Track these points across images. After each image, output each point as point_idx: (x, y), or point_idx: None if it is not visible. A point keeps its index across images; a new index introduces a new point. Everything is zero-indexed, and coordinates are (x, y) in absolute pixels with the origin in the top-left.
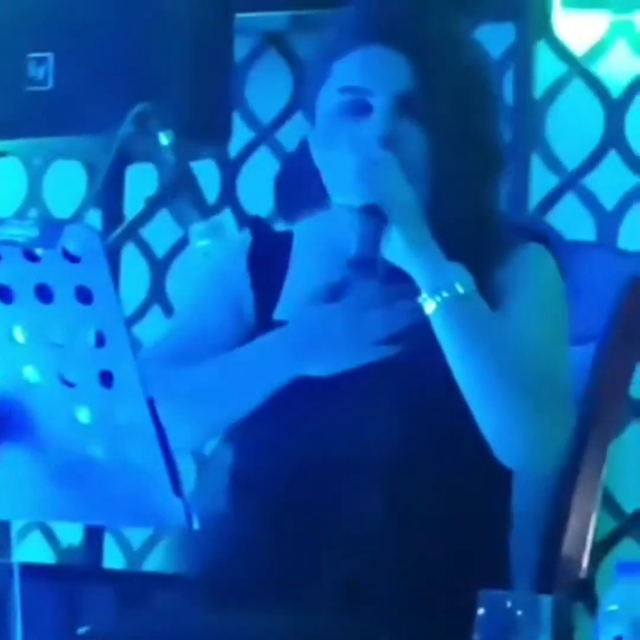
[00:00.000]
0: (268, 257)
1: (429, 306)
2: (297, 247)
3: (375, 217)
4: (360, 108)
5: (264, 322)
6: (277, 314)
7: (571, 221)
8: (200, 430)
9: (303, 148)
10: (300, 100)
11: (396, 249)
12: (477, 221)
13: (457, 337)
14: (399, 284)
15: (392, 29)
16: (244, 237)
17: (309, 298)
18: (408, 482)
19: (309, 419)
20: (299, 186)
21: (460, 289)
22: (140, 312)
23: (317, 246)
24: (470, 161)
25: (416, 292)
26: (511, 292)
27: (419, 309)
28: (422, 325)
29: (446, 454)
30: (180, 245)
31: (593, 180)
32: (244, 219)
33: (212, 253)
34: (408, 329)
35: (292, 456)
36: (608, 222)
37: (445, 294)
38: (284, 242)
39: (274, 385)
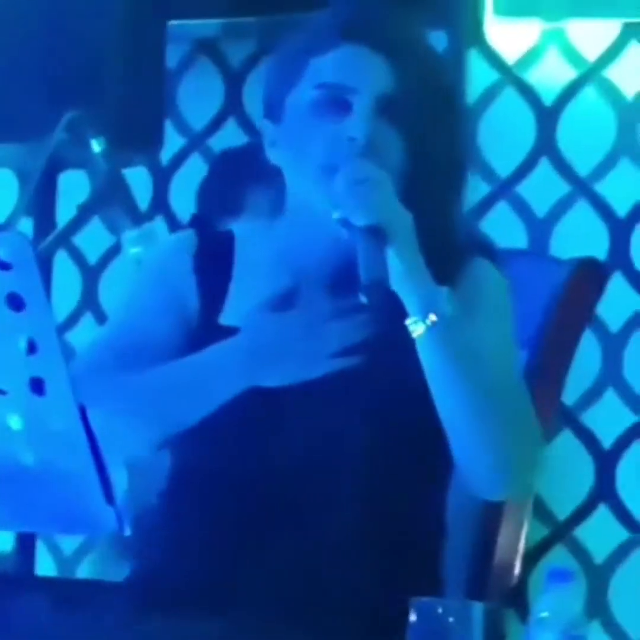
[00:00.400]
0: (213, 258)
1: (418, 329)
2: (240, 249)
3: (378, 238)
4: (337, 105)
5: (209, 325)
6: (223, 319)
7: (503, 229)
8: (145, 439)
9: (230, 154)
10: (264, 98)
11: (392, 271)
12: (443, 235)
13: (444, 360)
14: (351, 295)
15: (373, 30)
16: (189, 236)
17: (259, 305)
18: (345, 491)
19: (254, 425)
20: (226, 191)
21: (449, 313)
22: (72, 319)
23: (263, 251)
24: (441, 172)
25: (367, 305)
26: (467, 312)
27: (373, 322)
28: (377, 337)
29: (383, 462)
30: (113, 252)
31: (525, 188)
32: (179, 224)
33: (156, 251)
34: (362, 342)
35: (234, 463)
36: (540, 229)
37: (434, 318)
38: (226, 242)
39: (226, 396)
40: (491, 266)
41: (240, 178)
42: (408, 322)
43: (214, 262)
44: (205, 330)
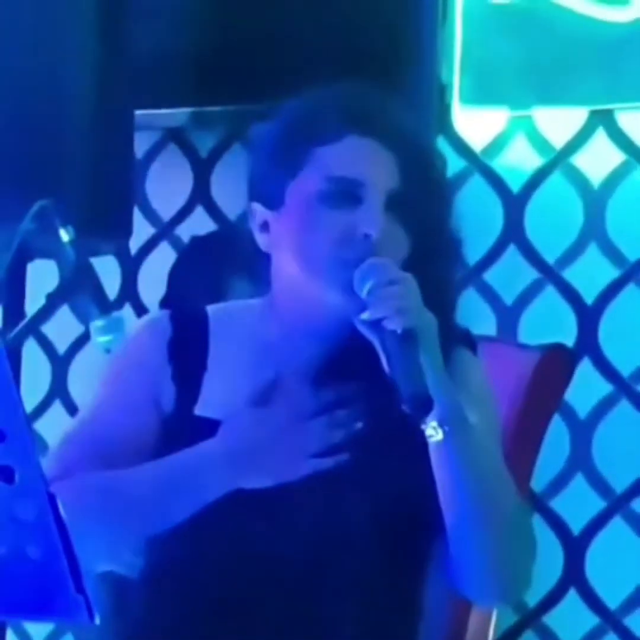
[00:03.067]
0: (188, 345)
1: (437, 436)
2: (215, 332)
3: (413, 343)
4: (348, 199)
5: (184, 416)
6: (199, 409)
7: (471, 316)
8: (121, 542)
9: (201, 240)
10: (254, 181)
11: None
12: (440, 330)
13: (459, 467)
14: (333, 389)
15: (377, 122)
16: (163, 320)
17: (239, 400)
18: (328, 587)
19: (234, 521)
20: (198, 276)
21: (469, 420)
22: (42, 408)
23: (240, 336)
24: (440, 268)
25: (352, 399)
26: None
27: (356, 418)
28: (362, 436)
29: (367, 559)
30: (82, 341)
31: (493, 275)
32: (147, 312)
33: (130, 340)
34: (346, 440)
35: (214, 560)
36: (508, 316)
37: (453, 424)
38: (201, 324)
39: (208, 498)
40: (473, 357)
41: (214, 263)
42: (427, 428)
43: (189, 349)
44: (181, 421)
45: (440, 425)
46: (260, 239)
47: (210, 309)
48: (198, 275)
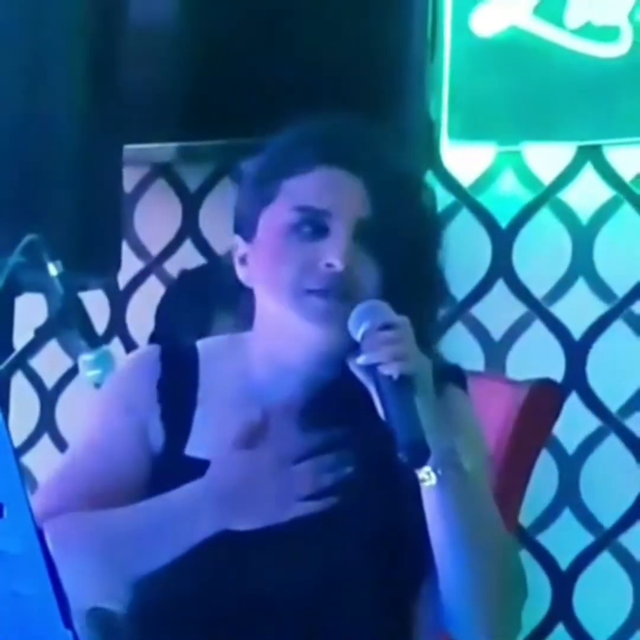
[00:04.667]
0: (178, 383)
1: (430, 480)
2: (204, 370)
3: (408, 389)
4: (314, 228)
5: (175, 456)
6: (189, 450)
7: (459, 350)
8: (108, 580)
9: (190, 274)
10: (236, 214)
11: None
12: None
13: (453, 512)
14: (321, 430)
15: (349, 153)
16: (153, 357)
17: (226, 438)
18: (315, 628)
19: (223, 563)
20: (187, 311)
21: (463, 464)
22: (30, 442)
23: (227, 374)
24: (419, 300)
25: (341, 441)
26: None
27: (345, 463)
28: (350, 477)
29: (355, 600)
30: (70, 375)
31: (481, 310)
32: (135, 347)
33: (119, 377)
34: (334, 484)
35: (199, 600)
36: (496, 351)
37: (447, 469)
38: (191, 360)
39: (195, 539)
40: (464, 394)
41: (201, 297)
42: (420, 472)
43: (179, 387)
44: (171, 461)
45: (434, 470)
46: (240, 272)
47: (200, 344)
48: (186, 310)
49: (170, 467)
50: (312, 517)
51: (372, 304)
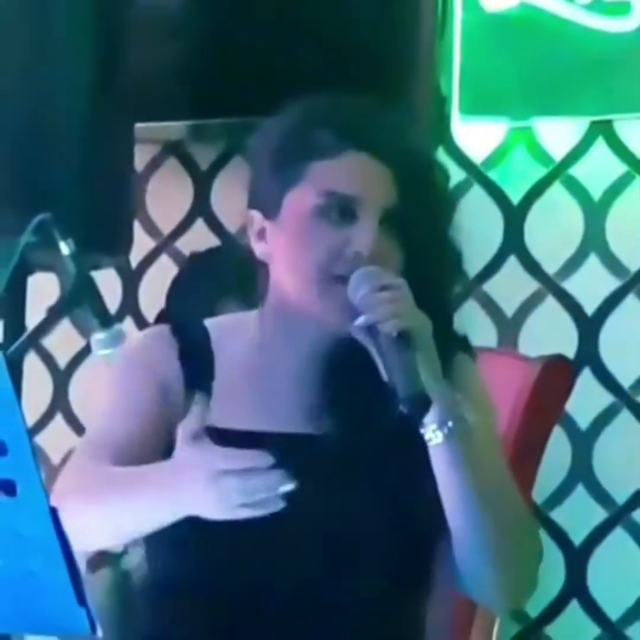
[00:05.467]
0: (195, 355)
1: (436, 438)
2: (217, 345)
3: (407, 344)
4: (342, 214)
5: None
6: (211, 419)
7: (472, 327)
8: (108, 534)
9: (199, 256)
10: (253, 189)
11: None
12: (438, 335)
13: (461, 468)
14: (328, 405)
15: (378, 140)
16: (170, 338)
17: (239, 410)
18: (328, 597)
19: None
20: (198, 291)
21: (468, 418)
22: (43, 422)
23: (236, 350)
24: (435, 275)
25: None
26: None
27: (285, 481)
28: (360, 446)
29: (366, 560)
30: (83, 354)
31: (493, 286)
32: (148, 325)
33: (135, 342)
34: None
35: (215, 574)
36: (508, 327)
37: (451, 425)
38: (203, 337)
39: (163, 518)
40: (472, 362)
41: (209, 280)
42: (426, 431)
43: (197, 359)
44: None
45: (440, 427)
46: (257, 247)
47: (208, 322)
48: (195, 293)
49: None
50: (323, 484)
51: (369, 269)
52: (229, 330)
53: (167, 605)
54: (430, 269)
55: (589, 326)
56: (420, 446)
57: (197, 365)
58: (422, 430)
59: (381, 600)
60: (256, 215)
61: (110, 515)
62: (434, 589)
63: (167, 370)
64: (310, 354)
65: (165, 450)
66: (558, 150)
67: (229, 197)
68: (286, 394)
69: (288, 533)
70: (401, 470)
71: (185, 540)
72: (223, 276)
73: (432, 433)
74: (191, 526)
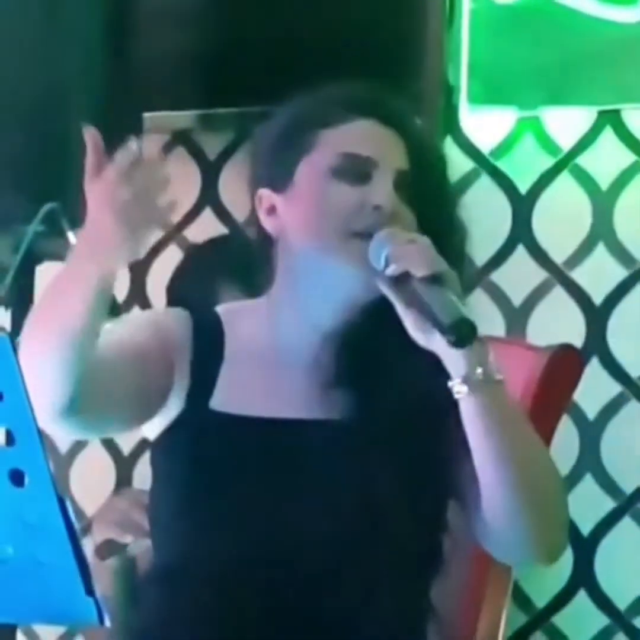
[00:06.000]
0: (207, 337)
1: (462, 388)
2: (228, 332)
3: (441, 284)
4: (358, 175)
5: (198, 409)
6: (214, 403)
7: (480, 316)
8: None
9: (203, 246)
10: (262, 171)
11: None
12: None
13: (492, 419)
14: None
15: (380, 106)
16: (186, 315)
17: (249, 393)
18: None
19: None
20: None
21: (496, 374)
22: None
23: (249, 335)
24: (449, 245)
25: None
26: None
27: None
28: (389, 408)
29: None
30: None
31: (501, 276)
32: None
33: (154, 313)
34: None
35: (224, 560)
36: (516, 317)
37: (480, 376)
38: (214, 321)
39: (86, 286)
40: None
41: (210, 271)
42: (453, 382)
43: (209, 341)
44: (195, 414)
45: (469, 377)
46: (268, 222)
47: (219, 308)
48: (195, 284)
49: (196, 420)
50: (347, 444)
51: (392, 229)
52: (239, 315)
53: (175, 595)
54: (443, 237)
55: (597, 316)
56: (440, 418)
57: (207, 346)
58: (450, 384)
59: (394, 579)
60: (265, 192)
61: (57, 315)
62: (442, 565)
63: (180, 343)
64: (324, 333)
65: (135, 403)
66: (566, 139)
67: (237, 186)
68: (299, 377)
69: (300, 522)
70: (419, 449)
71: (192, 528)
72: (223, 267)
73: (460, 385)
74: (198, 515)
